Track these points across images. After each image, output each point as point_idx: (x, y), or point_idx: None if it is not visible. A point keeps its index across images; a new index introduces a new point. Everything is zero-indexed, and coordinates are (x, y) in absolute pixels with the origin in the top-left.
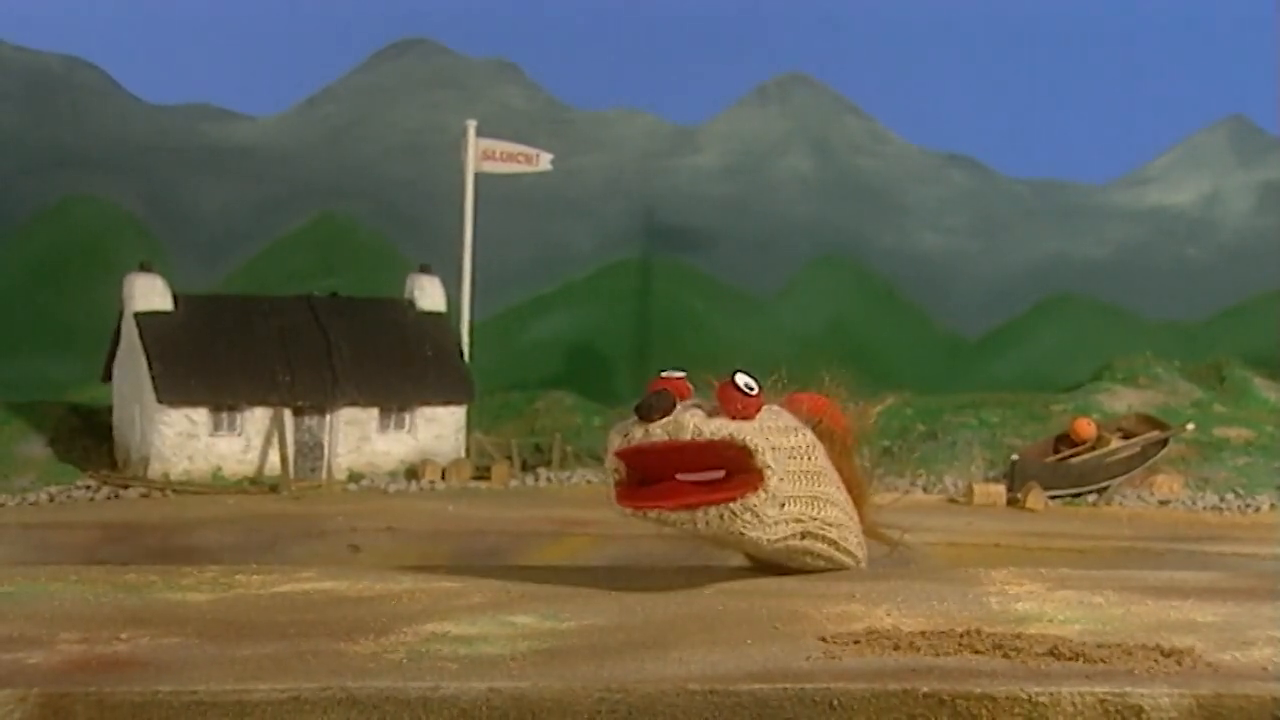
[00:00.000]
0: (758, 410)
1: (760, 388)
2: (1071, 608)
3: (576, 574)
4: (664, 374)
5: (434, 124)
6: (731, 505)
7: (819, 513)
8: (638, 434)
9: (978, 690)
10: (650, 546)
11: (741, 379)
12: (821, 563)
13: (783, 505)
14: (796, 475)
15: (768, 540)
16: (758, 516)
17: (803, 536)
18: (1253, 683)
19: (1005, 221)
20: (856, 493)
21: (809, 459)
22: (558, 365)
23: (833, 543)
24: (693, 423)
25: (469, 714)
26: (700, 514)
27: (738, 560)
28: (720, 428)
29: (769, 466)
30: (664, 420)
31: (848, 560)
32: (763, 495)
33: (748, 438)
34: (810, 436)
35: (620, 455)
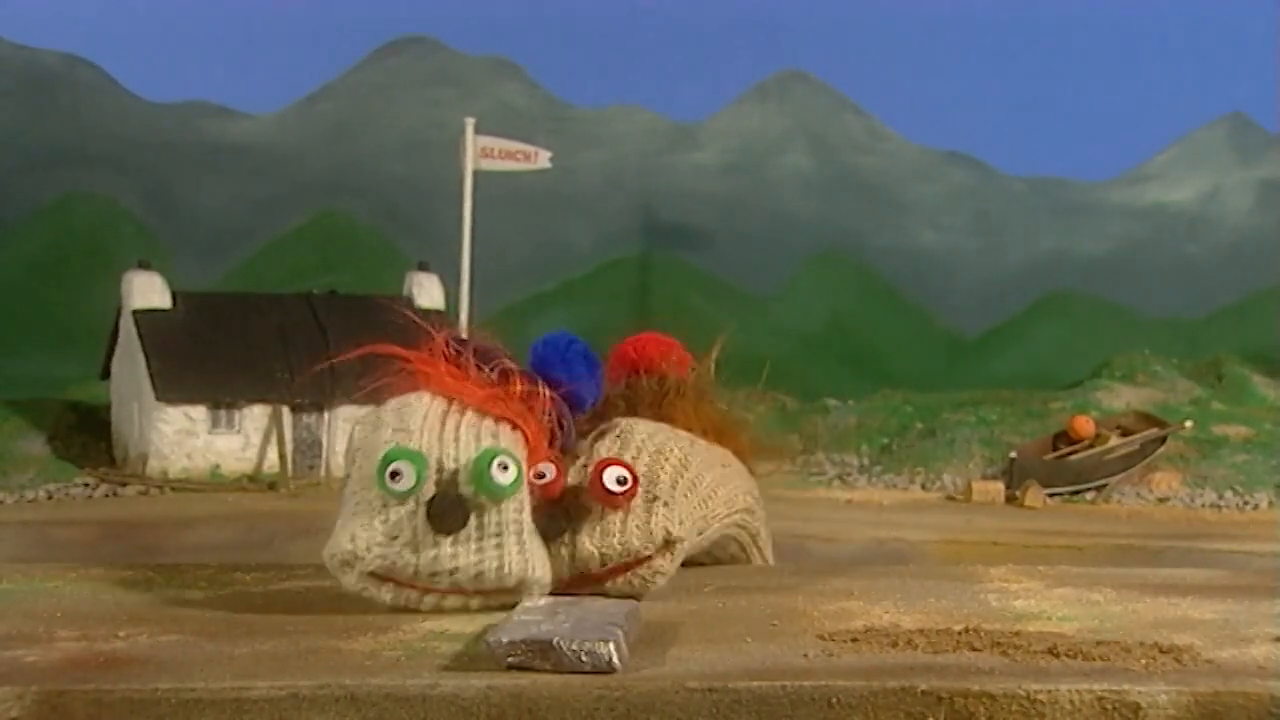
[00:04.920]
0: (634, 494)
1: (634, 476)
2: (1070, 605)
3: None
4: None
5: (433, 121)
6: (639, 571)
7: (708, 510)
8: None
9: (976, 688)
10: None
11: (611, 477)
12: (735, 546)
13: (681, 544)
14: (686, 498)
15: (673, 571)
16: (664, 574)
17: (700, 534)
18: (1251, 680)
19: (1004, 219)
20: (726, 437)
21: (687, 464)
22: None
23: (739, 526)
24: (596, 550)
25: (467, 711)
26: (609, 584)
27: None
28: (622, 543)
29: (681, 539)
30: (564, 550)
31: (752, 520)
32: (667, 558)
33: (656, 535)
34: (684, 442)
35: None
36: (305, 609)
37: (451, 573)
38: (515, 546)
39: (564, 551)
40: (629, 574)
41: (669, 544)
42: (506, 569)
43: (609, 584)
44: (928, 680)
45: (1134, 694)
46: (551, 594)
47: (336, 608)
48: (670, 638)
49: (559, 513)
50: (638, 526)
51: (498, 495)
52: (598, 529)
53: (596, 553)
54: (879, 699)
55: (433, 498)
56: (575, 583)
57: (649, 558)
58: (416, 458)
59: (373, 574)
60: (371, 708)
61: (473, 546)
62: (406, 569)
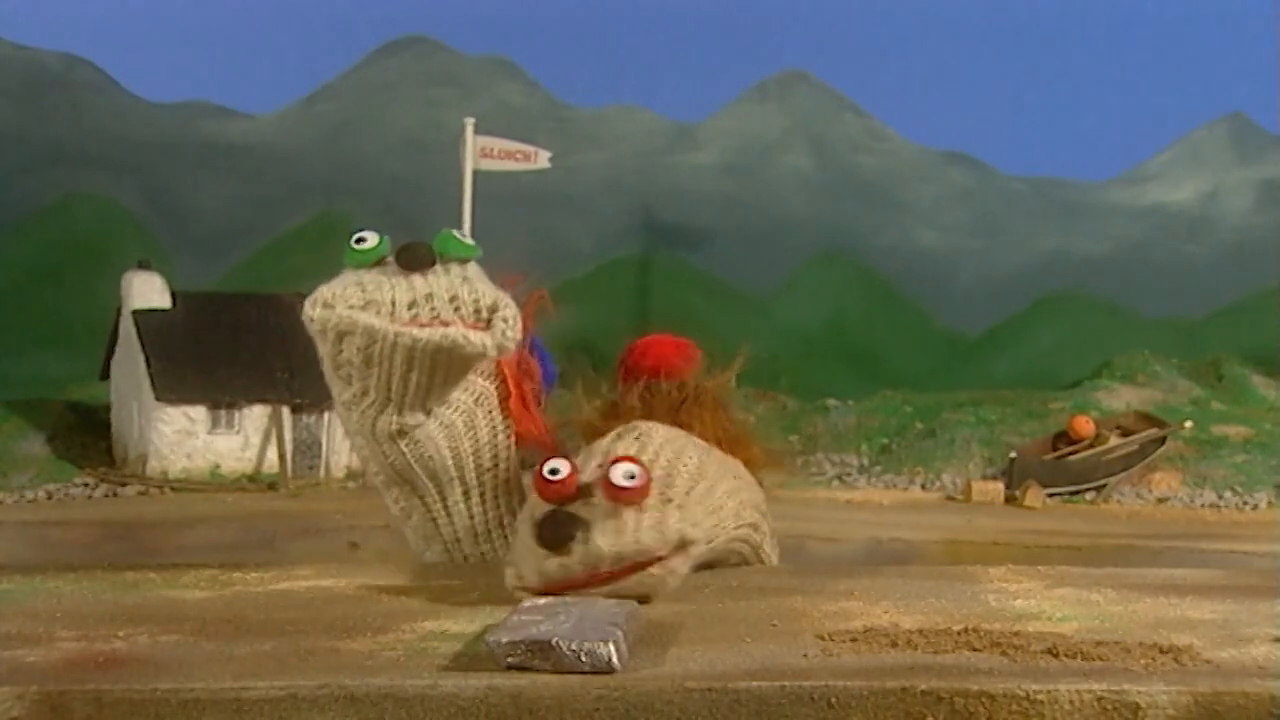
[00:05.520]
0: (647, 493)
1: (646, 473)
2: (1069, 605)
3: None
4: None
5: (432, 121)
6: (653, 571)
7: (719, 520)
8: (552, 569)
9: (975, 688)
10: None
11: (620, 473)
12: (737, 560)
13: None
14: (700, 504)
15: (681, 577)
16: (677, 575)
17: (709, 542)
18: (1250, 680)
19: (1004, 219)
20: (738, 448)
21: (703, 472)
22: (556, 363)
23: (743, 540)
24: (609, 549)
25: (467, 711)
26: (622, 583)
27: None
28: (636, 541)
29: (695, 542)
30: (577, 549)
31: (755, 535)
32: (682, 559)
33: (670, 536)
34: (701, 450)
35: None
36: (305, 609)
37: (428, 298)
38: (484, 284)
39: (576, 549)
40: (642, 574)
41: (683, 545)
42: (480, 295)
43: (621, 583)
44: (928, 680)
45: (1134, 694)
46: (562, 593)
47: (336, 608)
48: (670, 638)
49: (571, 511)
50: (652, 526)
51: (462, 253)
52: (611, 527)
53: (609, 551)
54: (879, 699)
55: (402, 246)
56: (588, 581)
57: (662, 558)
58: (379, 235)
59: (353, 308)
60: (371, 708)
61: (442, 280)
62: (385, 301)
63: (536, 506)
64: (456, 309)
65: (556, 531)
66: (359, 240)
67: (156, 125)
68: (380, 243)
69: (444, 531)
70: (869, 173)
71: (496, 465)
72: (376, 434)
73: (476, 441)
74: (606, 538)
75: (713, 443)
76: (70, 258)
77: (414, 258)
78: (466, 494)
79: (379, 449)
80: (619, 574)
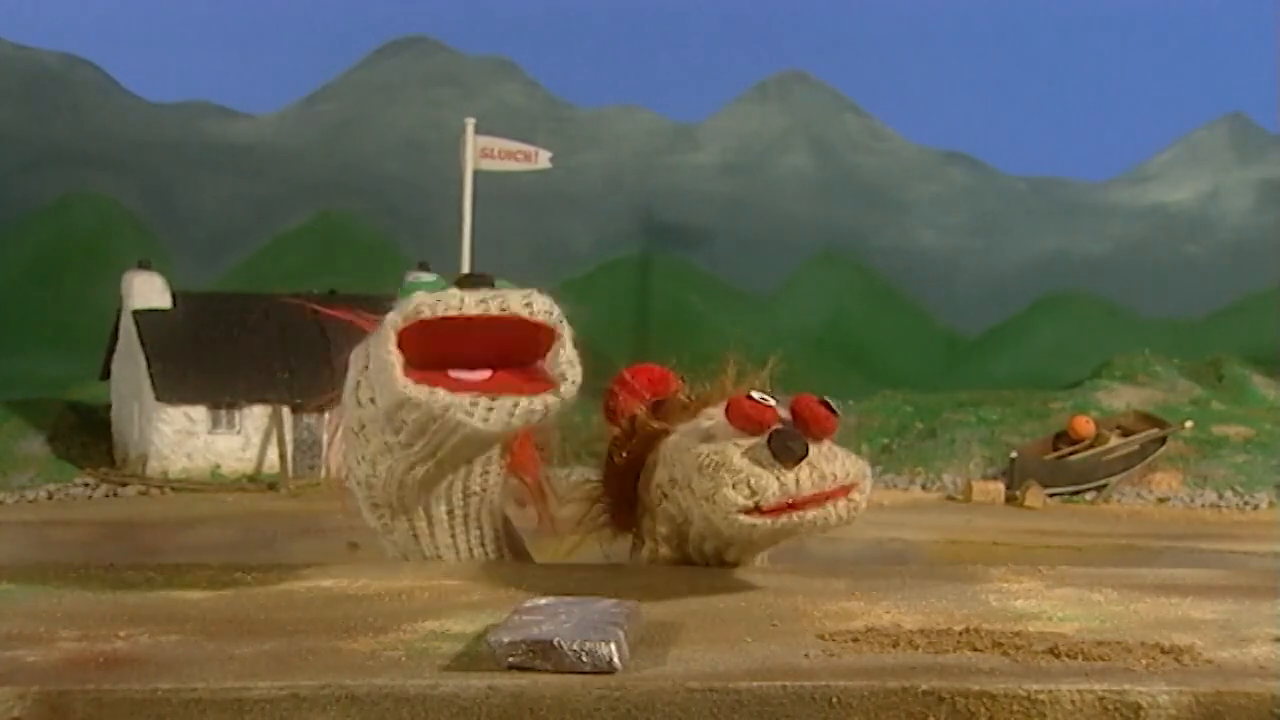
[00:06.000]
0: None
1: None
2: (1070, 605)
3: (575, 571)
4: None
5: (432, 121)
6: (853, 496)
7: None
8: (789, 483)
9: (976, 688)
10: None
11: (824, 403)
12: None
13: None
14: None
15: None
16: (862, 504)
17: None
18: (1252, 680)
19: (1004, 219)
20: None
21: None
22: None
23: None
24: (827, 470)
25: (468, 711)
26: (830, 506)
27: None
28: (844, 466)
29: (869, 477)
30: (805, 467)
31: None
32: (865, 491)
33: (861, 466)
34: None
35: (770, 512)
36: (305, 609)
37: (481, 301)
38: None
39: (804, 468)
40: (846, 499)
41: (865, 476)
42: (518, 295)
43: (830, 506)
44: (928, 680)
45: (1135, 694)
46: (789, 512)
47: (338, 608)
48: (670, 638)
49: (779, 436)
50: (846, 455)
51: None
52: (820, 452)
53: (828, 471)
54: (880, 699)
55: (462, 276)
56: (807, 501)
57: (856, 484)
58: (435, 283)
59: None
60: (372, 708)
61: (484, 292)
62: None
63: (739, 435)
64: (504, 303)
65: (795, 445)
66: (414, 278)
67: (156, 125)
68: (435, 281)
69: (424, 547)
70: (869, 173)
71: (485, 489)
72: (405, 481)
73: (469, 464)
74: (822, 460)
75: None
76: (70, 258)
77: (476, 284)
78: (450, 513)
79: (392, 483)
80: (830, 494)
